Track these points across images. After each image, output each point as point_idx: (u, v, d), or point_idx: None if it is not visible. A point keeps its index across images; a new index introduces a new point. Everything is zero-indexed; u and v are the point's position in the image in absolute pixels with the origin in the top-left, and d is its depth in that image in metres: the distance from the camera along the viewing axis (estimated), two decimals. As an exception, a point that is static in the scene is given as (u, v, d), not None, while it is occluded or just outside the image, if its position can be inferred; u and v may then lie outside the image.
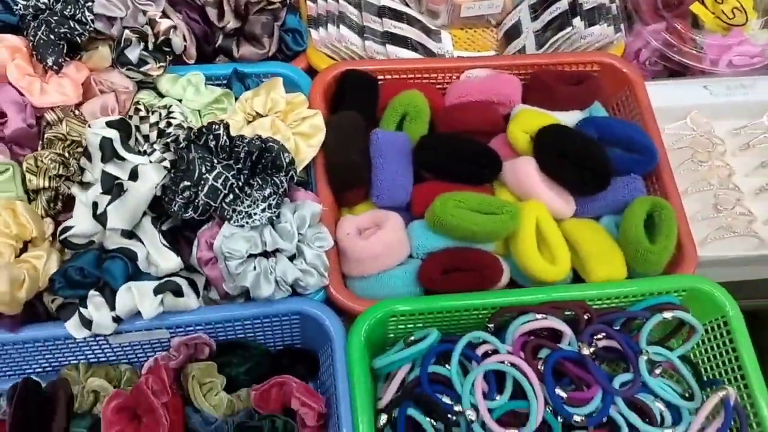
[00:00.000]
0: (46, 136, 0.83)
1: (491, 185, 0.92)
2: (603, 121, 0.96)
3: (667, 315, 0.82)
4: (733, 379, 0.81)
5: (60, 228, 0.75)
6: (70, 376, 0.80)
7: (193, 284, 0.80)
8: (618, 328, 0.85)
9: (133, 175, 0.76)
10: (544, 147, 0.88)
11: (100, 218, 0.73)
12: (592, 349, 0.80)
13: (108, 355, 0.82)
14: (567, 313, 0.82)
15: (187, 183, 0.76)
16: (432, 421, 0.76)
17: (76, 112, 0.87)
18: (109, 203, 0.73)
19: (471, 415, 0.74)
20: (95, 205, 0.74)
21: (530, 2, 1.10)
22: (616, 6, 1.05)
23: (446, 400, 0.76)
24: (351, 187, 0.90)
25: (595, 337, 0.82)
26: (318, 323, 0.80)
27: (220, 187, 0.76)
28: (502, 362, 0.78)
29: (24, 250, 0.78)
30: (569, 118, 0.96)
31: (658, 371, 0.82)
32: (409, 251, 0.87)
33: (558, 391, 0.77)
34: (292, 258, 0.80)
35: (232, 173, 0.77)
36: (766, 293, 1.06)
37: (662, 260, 0.85)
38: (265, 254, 0.79)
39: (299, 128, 0.89)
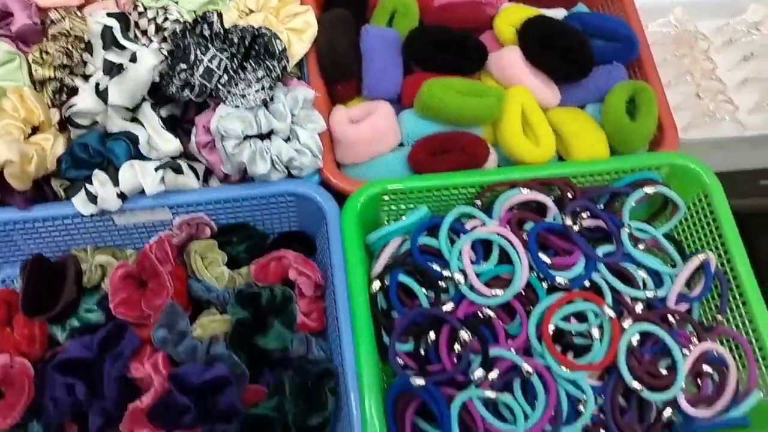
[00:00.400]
0: (50, 32, 0.87)
1: (478, 76, 0.95)
2: (587, 15, 0.99)
3: (649, 190, 0.85)
4: (714, 249, 0.84)
5: (65, 106, 0.79)
6: (79, 255, 0.84)
7: (193, 169, 0.84)
8: (602, 207, 0.88)
9: (133, 60, 0.80)
10: (528, 37, 0.91)
11: (102, 94, 0.77)
12: (576, 228, 0.84)
13: (114, 238, 0.86)
14: (552, 191, 0.86)
15: (183, 65, 0.79)
16: (423, 290, 0.80)
17: (79, 14, 0.91)
18: (109, 80, 0.77)
19: (459, 278, 0.78)
20: (97, 85, 0.78)
21: None
22: None
23: (436, 267, 0.80)
24: (342, 81, 0.93)
25: (579, 217, 0.86)
26: (313, 203, 0.84)
27: (215, 69, 0.80)
28: (493, 234, 0.82)
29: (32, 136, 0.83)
30: (555, 14, 0.99)
31: (641, 247, 0.86)
32: (400, 139, 0.91)
33: (542, 256, 0.80)
34: (287, 141, 0.84)
35: (226, 56, 0.80)
36: (746, 191, 1.09)
37: (643, 138, 0.88)
38: (261, 137, 0.83)
39: (291, 24, 0.92)
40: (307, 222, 0.88)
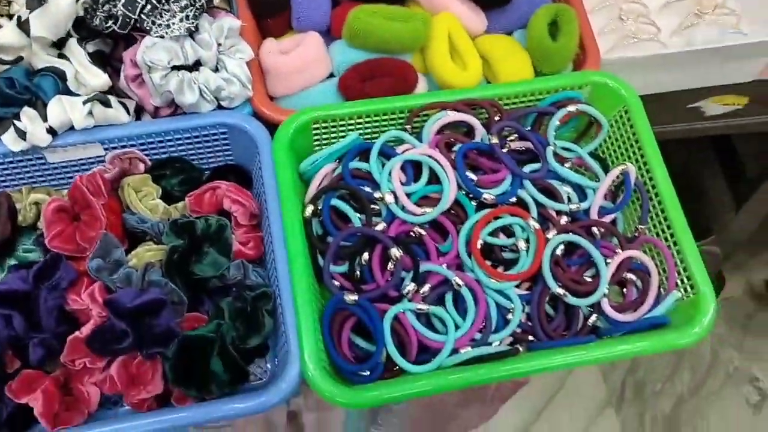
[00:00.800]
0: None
1: (407, 4, 0.96)
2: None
3: (571, 108, 0.88)
4: (635, 162, 0.87)
5: (-15, 42, 0.79)
6: (14, 196, 0.84)
7: (123, 105, 0.84)
8: (530, 128, 0.91)
9: (54, -6, 0.79)
10: (454, -37, 0.93)
11: (23, 26, 0.76)
12: (505, 149, 0.86)
13: (49, 179, 0.86)
14: (480, 114, 0.88)
15: (105, -3, 0.79)
16: (357, 214, 0.82)
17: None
18: (30, 12, 0.76)
19: (389, 198, 0.80)
20: (19, 18, 0.78)
21: None
22: None
23: (368, 189, 0.82)
24: (272, 13, 0.93)
25: (508, 139, 0.89)
26: (245, 134, 0.84)
27: None
28: (423, 155, 0.84)
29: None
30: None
31: (567, 165, 0.89)
32: (331, 69, 0.92)
33: (469, 174, 0.83)
34: (215, 71, 0.84)
35: (148, -14, 0.80)
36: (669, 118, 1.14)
37: (565, 58, 0.90)
38: (189, 69, 0.83)
39: (217, -44, 0.92)
40: (241, 154, 0.89)
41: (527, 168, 0.86)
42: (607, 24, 0.99)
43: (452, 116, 0.85)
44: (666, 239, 0.83)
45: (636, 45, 0.97)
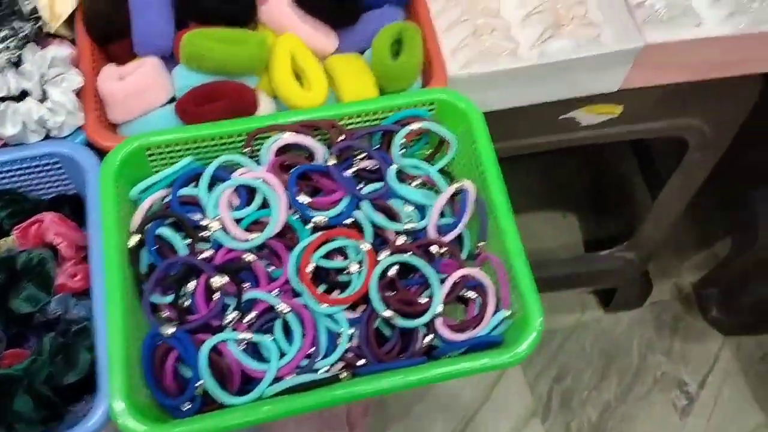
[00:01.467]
0: None
1: (255, 27, 0.95)
2: (362, -40, 0.99)
3: (414, 126, 0.87)
4: (477, 177, 0.86)
5: None
6: None
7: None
8: (378, 147, 0.90)
9: None
10: (298, -17, 0.92)
11: None
12: (353, 169, 0.85)
13: None
14: (323, 135, 0.87)
15: None
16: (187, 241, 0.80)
17: None
18: None
19: (214, 225, 0.79)
20: None
21: None
22: None
23: (198, 216, 0.81)
24: (113, 39, 0.92)
25: (357, 158, 0.88)
26: (73, 162, 0.83)
27: (-49, 31, 0.78)
28: (254, 179, 0.82)
29: None
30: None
31: (414, 183, 0.88)
32: (172, 93, 0.90)
33: (302, 197, 0.81)
34: (43, 101, 0.83)
35: (-38, 17, 0.79)
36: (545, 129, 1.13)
37: (407, 76, 0.89)
38: (16, 99, 0.82)
39: (53, -17, 0.90)
40: (80, 184, 0.87)
41: (371, 188, 0.85)
42: (462, 40, 0.98)
43: (288, 138, 0.84)
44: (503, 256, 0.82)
45: (491, 60, 0.96)
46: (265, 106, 0.90)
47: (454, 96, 0.88)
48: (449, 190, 0.83)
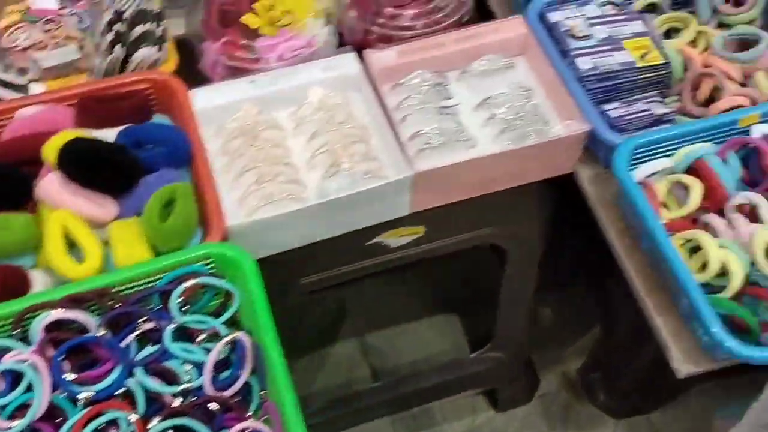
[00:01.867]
0: None
1: (35, 206, 0.97)
2: (140, 127, 1.03)
3: (187, 284, 0.89)
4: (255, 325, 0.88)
5: None
6: None
7: None
8: (159, 308, 0.91)
9: None
10: (66, 161, 0.94)
11: None
12: (136, 333, 0.86)
13: None
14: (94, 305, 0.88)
15: None
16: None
17: None
18: None
19: (-26, 418, 0.77)
20: None
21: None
22: (161, 29, 1.16)
23: (-42, 412, 0.79)
24: None
25: (138, 322, 0.88)
26: None
27: None
28: (20, 361, 0.81)
29: None
30: (113, 133, 1.03)
31: (201, 337, 0.88)
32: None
33: (67, 375, 0.81)
34: None
35: None
36: (355, 257, 1.17)
37: (178, 235, 0.92)
38: None
39: None
40: None
41: (147, 351, 0.85)
42: (247, 189, 1.03)
43: (55, 315, 0.84)
44: (280, 401, 0.82)
45: (274, 205, 1.00)
46: (41, 282, 0.90)
47: (225, 247, 0.91)
48: (219, 345, 0.84)
